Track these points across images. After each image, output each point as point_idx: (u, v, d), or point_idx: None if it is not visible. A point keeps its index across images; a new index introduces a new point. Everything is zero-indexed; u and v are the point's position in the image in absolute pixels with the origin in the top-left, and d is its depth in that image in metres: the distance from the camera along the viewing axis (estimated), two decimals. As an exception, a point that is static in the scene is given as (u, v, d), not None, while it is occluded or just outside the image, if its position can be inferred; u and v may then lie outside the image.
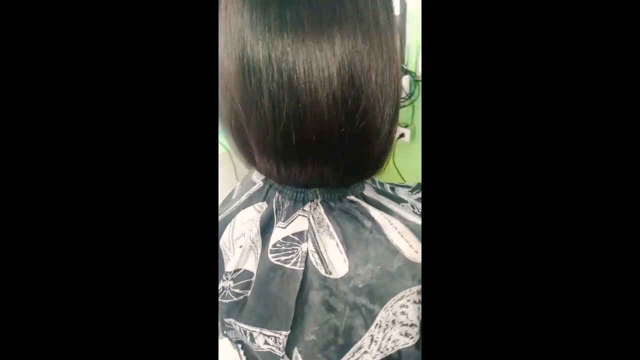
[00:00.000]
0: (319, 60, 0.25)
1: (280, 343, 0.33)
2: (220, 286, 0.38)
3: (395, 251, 0.30)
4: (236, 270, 0.36)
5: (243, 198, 0.40)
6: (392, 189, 0.39)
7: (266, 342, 0.34)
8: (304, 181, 0.31)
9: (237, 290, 0.37)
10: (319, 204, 0.33)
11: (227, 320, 0.39)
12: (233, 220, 0.39)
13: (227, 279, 0.37)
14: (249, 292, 0.36)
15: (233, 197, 0.43)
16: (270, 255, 0.33)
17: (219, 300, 0.38)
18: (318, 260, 0.31)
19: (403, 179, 1.31)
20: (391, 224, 0.31)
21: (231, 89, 0.28)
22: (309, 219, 0.33)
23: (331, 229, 0.32)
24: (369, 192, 0.35)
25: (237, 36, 0.26)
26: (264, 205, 0.36)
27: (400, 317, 0.30)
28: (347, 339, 0.30)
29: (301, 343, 0.32)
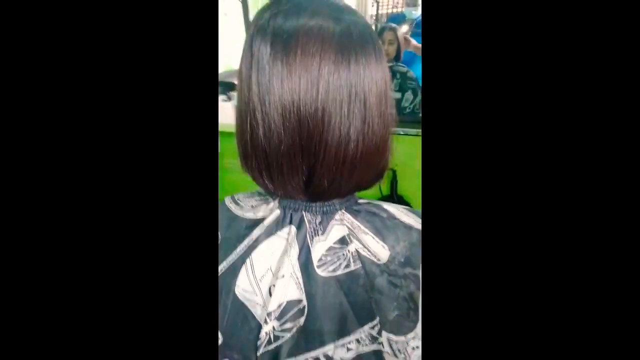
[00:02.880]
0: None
1: (370, 336, 0.35)
2: (261, 336, 0.35)
3: (410, 227, 0.39)
4: (279, 306, 0.36)
5: (254, 235, 0.38)
6: None
7: (348, 349, 0.35)
8: (317, 196, 0.37)
9: (287, 325, 0.36)
10: (344, 211, 0.39)
11: None
12: (248, 261, 0.38)
13: (268, 321, 0.35)
14: (303, 319, 0.36)
15: (236, 244, 0.39)
16: (318, 271, 0.36)
17: (261, 351, 0.35)
18: (368, 254, 0.37)
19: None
20: (398, 210, 0.40)
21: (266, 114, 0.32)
22: (345, 225, 0.38)
23: (362, 227, 0.38)
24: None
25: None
26: (292, 228, 0.38)
27: None
28: (414, 302, 0.36)
29: (387, 324, 0.35)
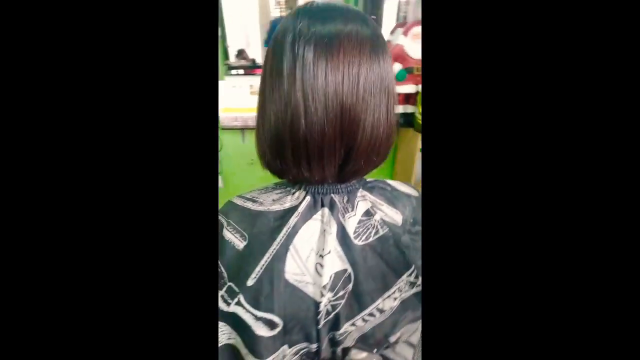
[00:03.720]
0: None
1: (409, 283, 0.44)
2: (320, 309, 0.41)
3: (409, 195, 0.49)
4: (330, 279, 0.41)
5: (291, 223, 0.42)
6: None
7: (394, 298, 0.43)
8: (347, 177, 0.43)
9: (340, 293, 0.42)
10: (361, 189, 0.46)
11: (340, 331, 0.42)
12: (291, 247, 0.41)
13: (324, 294, 0.41)
14: (351, 285, 0.42)
15: (273, 235, 0.42)
16: (355, 242, 0.43)
17: (322, 323, 0.41)
18: (390, 219, 0.45)
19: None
20: (397, 183, 0.50)
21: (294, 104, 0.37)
22: (368, 200, 0.46)
23: (379, 200, 0.46)
24: None
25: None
26: (325, 210, 0.43)
27: None
28: (415, 256, 0.45)
29: (418, 270, 0.44)
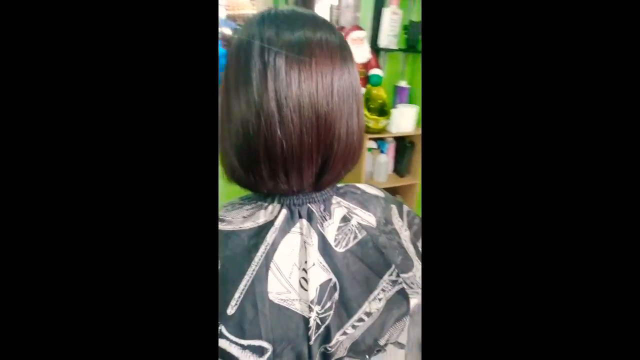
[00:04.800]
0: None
1: (390, 282, 0.44)
2: (310, 324, 0.39)
3: (377, 197, 0.50)
4: (316, 291, 0.40)
5: (269, 239, 0.39)
6: None
7: (379, 299, 0.43)
8: (324, 185, 0.42)
9: (328, 304, 0.40)
10: (335, 196, 0.46)
11: (332, 343, 0.39)
12: (272, 265, 0.39)
13: (312, 308, 0.39)
14: (337, 294, 0.41)
15: (249, 255, 0.39)
16: (336, 249, 0.42)
17: (313, 338, 0.39)
18: (365, 222, 0.46)
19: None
20: (364, 186, 0.51)
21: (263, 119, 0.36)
22: (343, 206, 0.45)
23: (352, 205, 0.46)
24: None
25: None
26: (303, 222, 0.42)
27: (398, 223, 0.50)
28: (403, 248, 0.47)
29: (398, 267, 0.45)
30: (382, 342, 0.45)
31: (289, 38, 0.36)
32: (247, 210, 0.43)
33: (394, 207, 0.51)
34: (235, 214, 0.43)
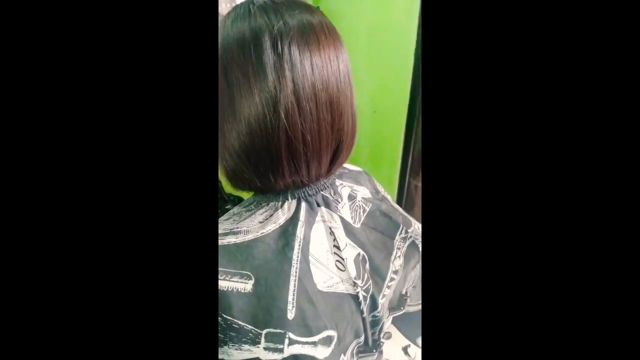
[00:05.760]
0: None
1: (402, 239, 0.50)
2: (360, 299, 0.43)
3: (360, 172, 0.54)
4: (354, 268, 0.43)
5: (299, 235, 0.40)
6: None
7: (398, 257, 0.49)
8: (334, 169, 0.43)
9: (366, 276, 0.45)
10: (336, 179, 0.49)
11: (378, 309, 0.45)
12: (311, 258, 0.40)
13: (356, 284, 0.43)
14: (367, 264, 0.45)
15: (285, 255, 0.39)
16: (355, 226, 0.46)
17: (366, 312, 0.44)
18: (367, 195, 0.50)
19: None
20: (347, 165, 0.53)
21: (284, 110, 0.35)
22: (346, 186, 0.49)
23: (349, 183, 0.50)
24: None
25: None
26: (322, 209, 0.44)
27: (381, 190, 0.56)
28: (397, 209, 0.53)
29: (404, 225, 0.51)
30: (404, 291, 0.50)
31: (295, 25, 0.35)
32: (261, 214, 0.41)
33: (372, 178, 0.56)
34: (250, 222, 0.40)
